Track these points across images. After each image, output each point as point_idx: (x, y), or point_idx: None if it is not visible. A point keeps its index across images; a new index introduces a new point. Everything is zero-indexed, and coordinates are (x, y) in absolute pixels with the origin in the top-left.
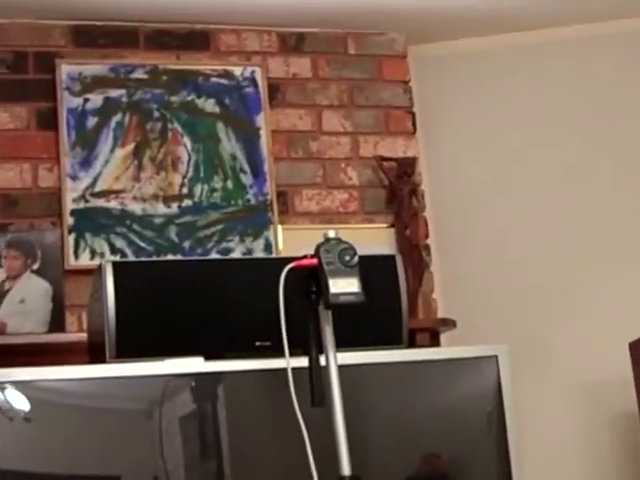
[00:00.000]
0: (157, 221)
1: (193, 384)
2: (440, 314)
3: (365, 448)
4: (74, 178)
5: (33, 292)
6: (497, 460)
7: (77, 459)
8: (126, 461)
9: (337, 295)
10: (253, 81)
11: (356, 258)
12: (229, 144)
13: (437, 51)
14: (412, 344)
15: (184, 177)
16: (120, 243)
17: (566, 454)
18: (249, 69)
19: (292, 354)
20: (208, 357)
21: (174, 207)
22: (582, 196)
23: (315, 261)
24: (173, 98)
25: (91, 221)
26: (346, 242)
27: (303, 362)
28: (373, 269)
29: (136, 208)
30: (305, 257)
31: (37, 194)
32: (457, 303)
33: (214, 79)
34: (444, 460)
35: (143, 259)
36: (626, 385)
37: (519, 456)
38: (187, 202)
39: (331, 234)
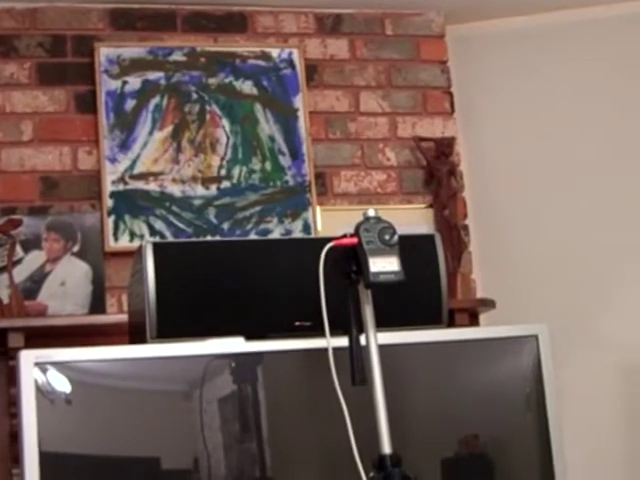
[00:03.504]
0: (196, 203)
1: (233, 364)
2: (479, 294)
3: (404, 427)
4: (113, 161)
5: (73, 274)
6: (537, 441)
7: (117, 441)
8: (166, 442)
9: (377, 274)
10: (290, 63)
11: (396, 237)
12: (267, 126)
13: (475, 31)
14: (451, 324)
15: (222, 159)
16: (159, 225)
17: (606, 435)
18: (286, 51)
19: (332, 334)
20: (248, 337)
21: (213, 189)
22: (624, 175)
23: (355, 240)
24: (211, 80)
25: (130, 203)
26: (386, 221)
27: (343, 342)
28: (412, 249)
29: (175, 190)
30: (345, 236)
31: (76, 177)
32: (496, 283)
33: (251, 61)
34: (482, 440)
35: (183, 240)
36: None
37: (559, 437)
38: (226, 184)
39: (371, 213)
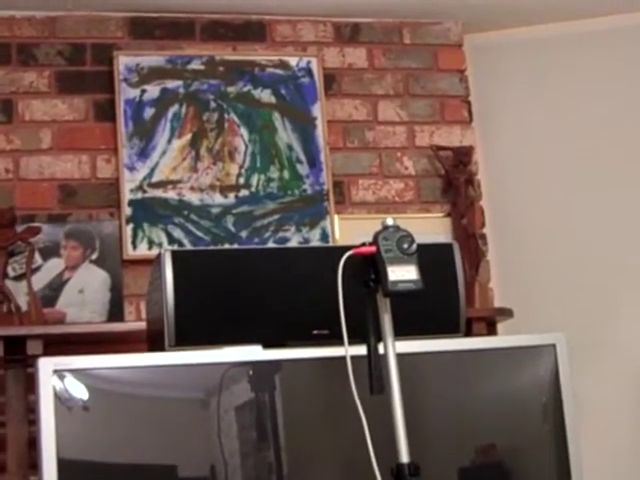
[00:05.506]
0: (214, 211)
1: (251, 372)
2: (497, 303)
3: (422, 436)
4: (132, 169)
5: (92, 282)
6: (554, 450)
7: (134, 448)
8: (183, 450)
9: (395, 283)
10: (309, 71)
11: (414, 245)
12: (285, 134)
13: (493, 40)
14: (469, 333)
15: (241, 167)
16: (177, 233)
17: (625, 444)
18: (305, 59)
19: (350, 342)
20: (266, 345)
21: (231, 197)
22: None
23: (374, 248)
24: (229, 89)
25: (149, 211)
26: (404, 230)
27: (361, 350)
28: (430, 257)
29: (193, 198)
30: (363, 245)
31: (95, 185)
32: (514, 292)
33: (270, 69)
34: (499, 450)
35: (202, 248)
36: None
37: (577, 446)
38: (244, 192)
39: (389, 222)
